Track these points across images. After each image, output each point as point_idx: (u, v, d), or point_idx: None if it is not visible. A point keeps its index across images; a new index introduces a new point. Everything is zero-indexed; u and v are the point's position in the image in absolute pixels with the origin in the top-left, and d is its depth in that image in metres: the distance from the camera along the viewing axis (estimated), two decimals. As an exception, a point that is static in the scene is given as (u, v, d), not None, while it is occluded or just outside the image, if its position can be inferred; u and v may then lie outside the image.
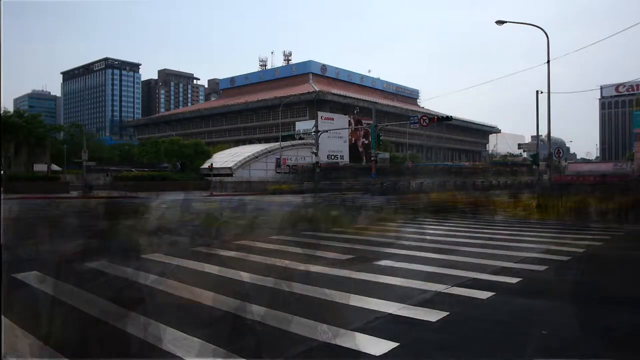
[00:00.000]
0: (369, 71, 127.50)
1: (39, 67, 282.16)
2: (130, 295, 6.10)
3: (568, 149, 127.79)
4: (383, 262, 8.19)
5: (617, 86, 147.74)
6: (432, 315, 5.06)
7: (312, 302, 5.70)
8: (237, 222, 16.27)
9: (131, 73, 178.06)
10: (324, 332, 4.45)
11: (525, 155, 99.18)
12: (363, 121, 66.48)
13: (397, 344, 4.24)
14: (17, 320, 4.70)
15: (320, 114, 65.79)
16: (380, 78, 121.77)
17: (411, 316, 5.08)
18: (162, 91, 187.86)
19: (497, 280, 6.84)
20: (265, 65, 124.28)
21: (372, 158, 43.20)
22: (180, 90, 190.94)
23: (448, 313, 5.16)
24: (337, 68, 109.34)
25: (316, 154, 45.19)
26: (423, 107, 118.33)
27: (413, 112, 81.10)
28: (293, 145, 59.18)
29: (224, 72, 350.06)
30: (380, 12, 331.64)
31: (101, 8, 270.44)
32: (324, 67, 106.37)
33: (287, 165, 53.95)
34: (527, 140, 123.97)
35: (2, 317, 4.20)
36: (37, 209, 21.45)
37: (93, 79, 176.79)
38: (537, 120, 25.25)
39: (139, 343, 4.29)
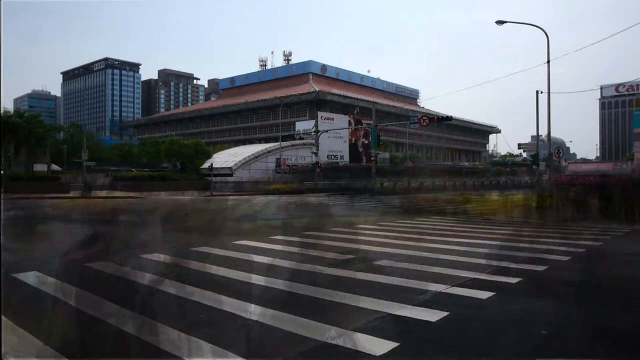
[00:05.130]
0: (369, 71, 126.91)
1: (39, 67, 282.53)
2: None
3: (568, 148, 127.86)
4: (383, 262, 8.20)
5: (617, 86, 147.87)
6: (432, 315, 5.06)
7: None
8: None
9: (131, 73, 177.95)
10: (331, 337, 4.42)
11: (525, 155, 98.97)
12: (363, 121, 66.36)
13: (397, 344, 4.24)
14: (17, 320, 4.70)
15: (320, 114, 65.63)
16: (380, 78, 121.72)
17: (411, 316, 5.08)
18: (162, 91, 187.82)
19: (497, 280, 6.84)
20: (265, 65, 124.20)
21: (372, 158, 43.19)
22: (180, 90, 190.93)
23: (448, 313, 5.15)
24: (337, 68, 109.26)
25: (316, 154, 45.15)
26: (423, 107, 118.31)
27: (413, 112, 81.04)
28: (293, 145, 59.08)
29: (224, 72, 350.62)
30: (380, 12, 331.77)
31: (101, 8, 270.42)
32: (324, 67, 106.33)
33: (287, 165, 53.82)
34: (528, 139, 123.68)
35: (2, 317, 4.20)
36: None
37: (93, 79, 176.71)
38: (537, 120, 25.30)
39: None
